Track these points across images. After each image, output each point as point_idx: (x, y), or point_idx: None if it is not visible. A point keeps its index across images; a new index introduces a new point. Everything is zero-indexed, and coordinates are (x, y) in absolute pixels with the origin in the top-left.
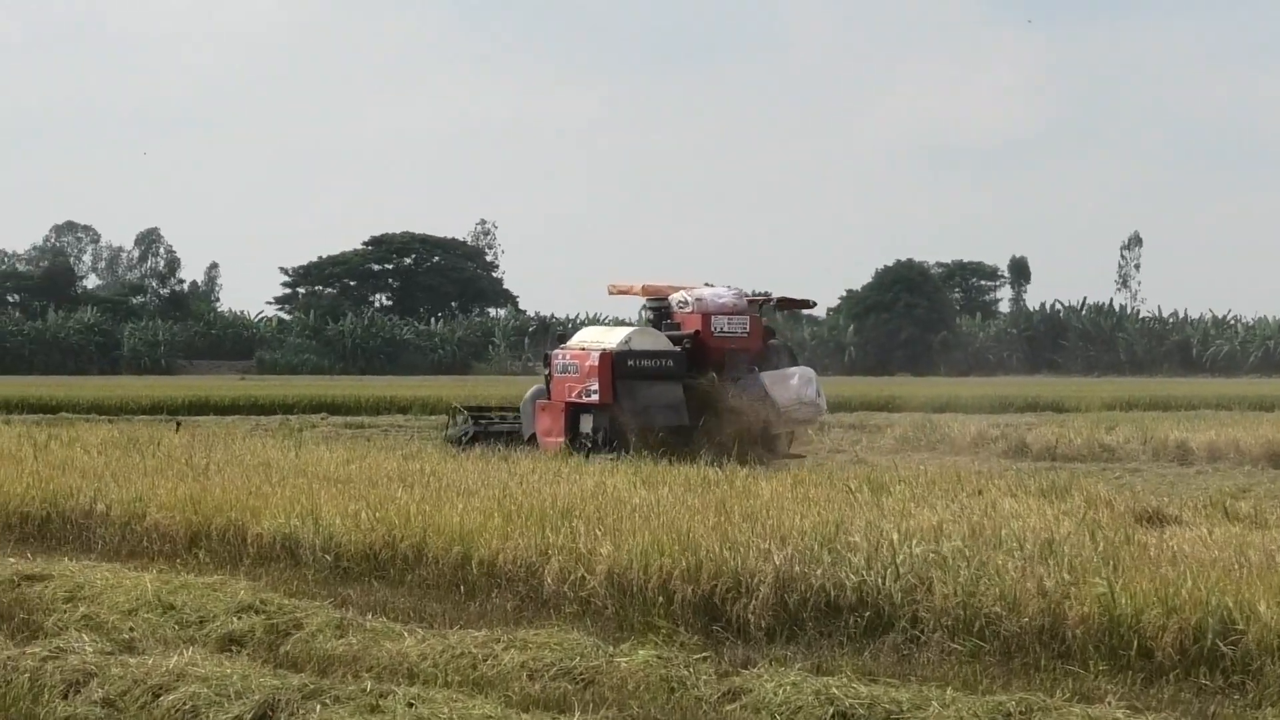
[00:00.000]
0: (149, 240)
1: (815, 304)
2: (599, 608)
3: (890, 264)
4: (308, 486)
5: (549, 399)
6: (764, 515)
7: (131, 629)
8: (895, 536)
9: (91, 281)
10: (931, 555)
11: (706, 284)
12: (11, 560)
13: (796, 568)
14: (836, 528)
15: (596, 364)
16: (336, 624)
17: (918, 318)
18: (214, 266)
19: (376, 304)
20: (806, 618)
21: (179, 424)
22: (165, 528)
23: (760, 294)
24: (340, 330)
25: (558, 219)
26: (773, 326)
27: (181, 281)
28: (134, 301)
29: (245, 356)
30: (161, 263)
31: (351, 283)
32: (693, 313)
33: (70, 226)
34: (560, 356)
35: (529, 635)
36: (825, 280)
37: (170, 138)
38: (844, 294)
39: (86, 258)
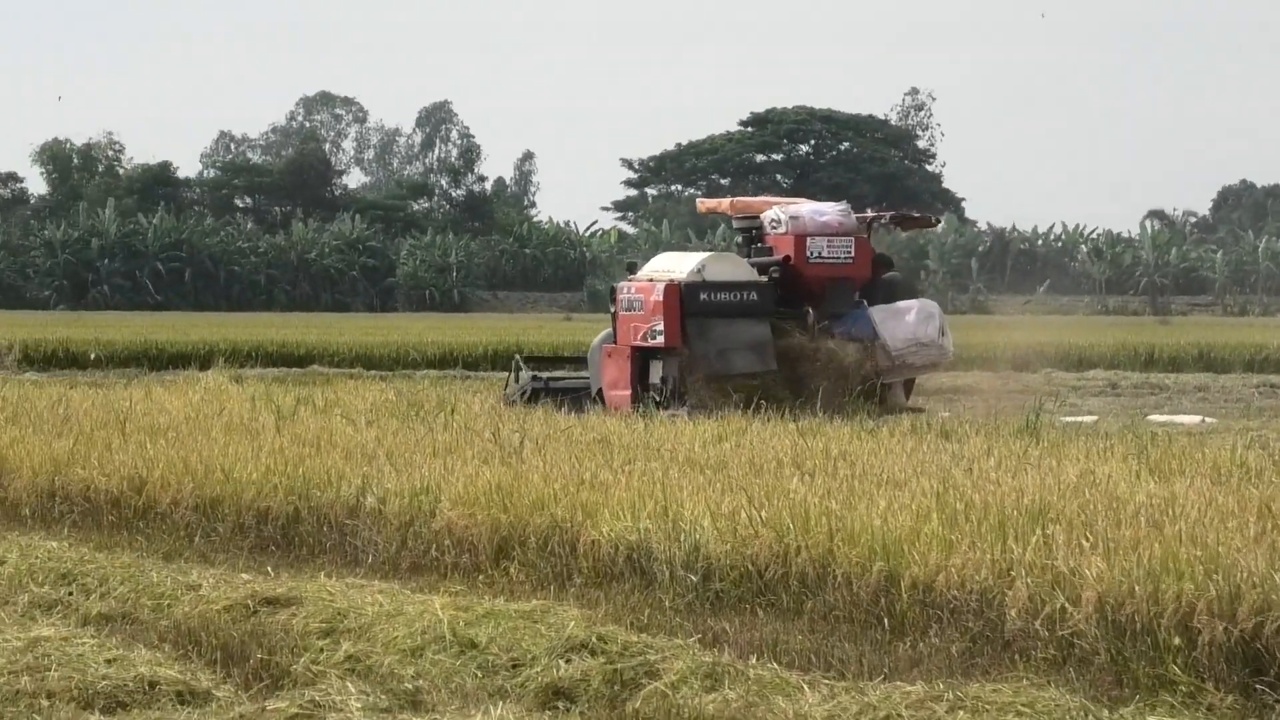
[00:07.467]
0: (436, 119)
1: (939, 221)
2: (1086, 653)
3: None
4: (662, 473)
5: (616, 343)
6: None
7: (416, 676)
8: None
9: (355, 179)
10: None
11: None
12: (245, 577)
13: None
14: None
15: (661, 298)
16: (706, 671)
17: None
18: (528, 158)
19: None
20: None
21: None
22: (463, 532)
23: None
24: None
25: (1025, 88)
26: (888, 257)
27: (482, 179)
28: (415, 208)
29: (572, 288)
30: (454, 152)
31: (724, 181)
32: (786, 234)
33: (325, 100)
34: (625, 291)
35: (985, 691)
36: None
37: None
38: None
39: (348, 144)
